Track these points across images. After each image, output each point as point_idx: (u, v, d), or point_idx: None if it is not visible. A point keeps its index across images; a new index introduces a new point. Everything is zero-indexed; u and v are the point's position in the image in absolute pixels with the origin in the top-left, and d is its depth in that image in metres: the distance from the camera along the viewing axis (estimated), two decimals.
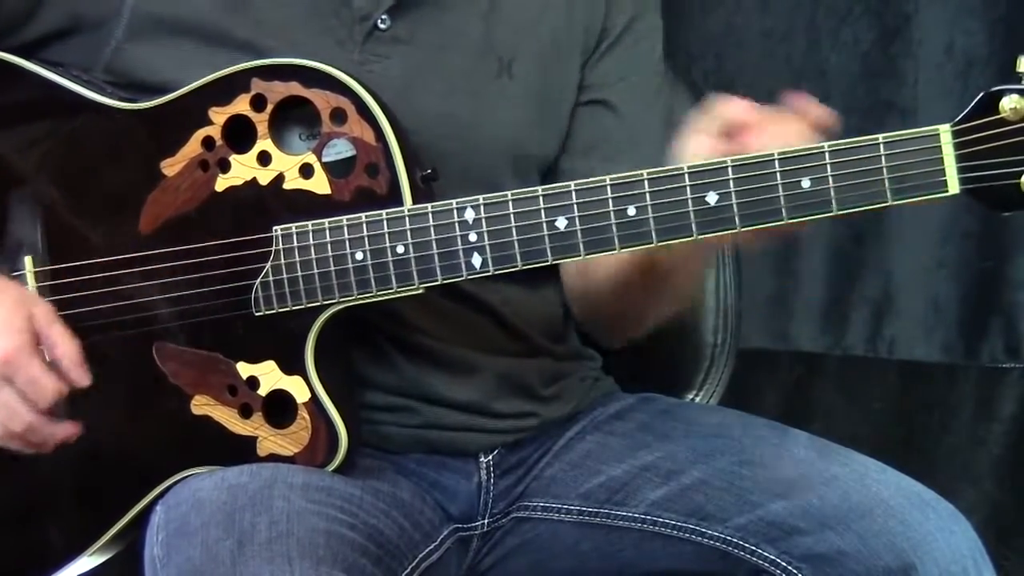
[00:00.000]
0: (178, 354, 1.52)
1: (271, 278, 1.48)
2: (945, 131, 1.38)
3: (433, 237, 1.45)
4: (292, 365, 1.49)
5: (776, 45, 2.63)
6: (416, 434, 1.62)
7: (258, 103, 1.48)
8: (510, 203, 1.44)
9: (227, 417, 1.51)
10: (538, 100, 1.64)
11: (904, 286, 2.63)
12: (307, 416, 1.49)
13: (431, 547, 1.59)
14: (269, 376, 1.50)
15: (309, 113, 1.48)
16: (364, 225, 1.46)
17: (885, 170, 1.39)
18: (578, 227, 1.43)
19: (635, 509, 1.61)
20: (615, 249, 1.43)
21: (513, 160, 1.63)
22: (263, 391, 1.50)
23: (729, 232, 1.42)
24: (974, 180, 1.38)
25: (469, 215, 1.45)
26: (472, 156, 1.59)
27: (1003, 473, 2.65)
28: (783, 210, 1.40)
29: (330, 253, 1.47)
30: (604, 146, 1.67)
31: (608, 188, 1.43)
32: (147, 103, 1.53)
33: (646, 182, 1.42)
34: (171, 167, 1.51)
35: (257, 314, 1.49)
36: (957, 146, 1.37)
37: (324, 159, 1.48)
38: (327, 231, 1.47)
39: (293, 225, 1.48)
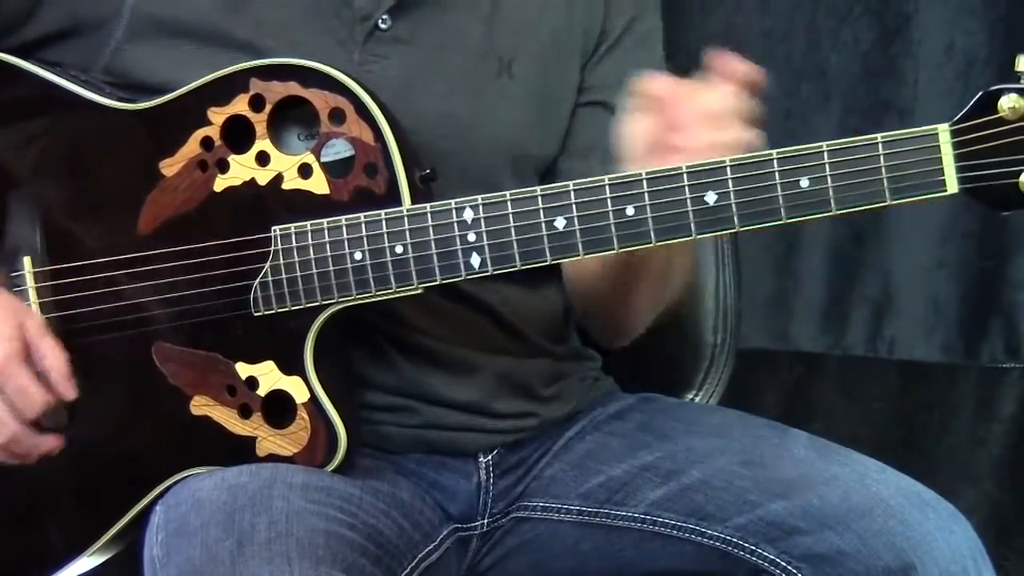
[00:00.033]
0: (177, 354, 1.52)
1: (270, 278, 1.48)
2: (944, 130, 1.38)
3: (432, 237, 1.45)
4: (291, 365, 1.49)
5: (776, 45, 2.63)
6: (416, 434, 1.62)
7: (257, 103, 1.48)
8: (509, 203, 1.44)
9: (226, 417, 1.51)
10: (538, 101, 1.65)
11: (904, 286, 2.63)
12: (306, 416, 1.49)
13: (431, 547, 1.59)
14: (268, 376, 1.50)
15: (308, 113, 1.48)
16: (363, 225, 1.46)
17: (884, 170, 1.39)
18: (577, 227, 1.43)
19: (635, 509, 1.61)
20: (614, 249, 1.43)
21: (512, 160, 1.63)
22: (262, 391, 1.50)
23: (728, 232, 1.42)
24: (973, 179, 1.38)
25: (468, 215, 1.45)
26: (472, 156, 1.59)
27: (1003, 473, 2.65)
28: (782, 210, 1.40)
29: (329, 253, 1.47)
30: (603, 147, 1.67)
31: (607, 188, 1.43)
32: (146, 103, 1.53)
33: (644, 182, 1.42)
34: (170, 167, 1.51)
35: (256, 314, 1.49)
36: (956, 145, 1.38)
37: (323, 159, 1.48)
38: (326, 231, 1.47)
39: (292, 225, 1.48)
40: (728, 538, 1.56)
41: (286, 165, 1.49)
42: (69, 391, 1.50)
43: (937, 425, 2.69)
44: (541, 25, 1.65)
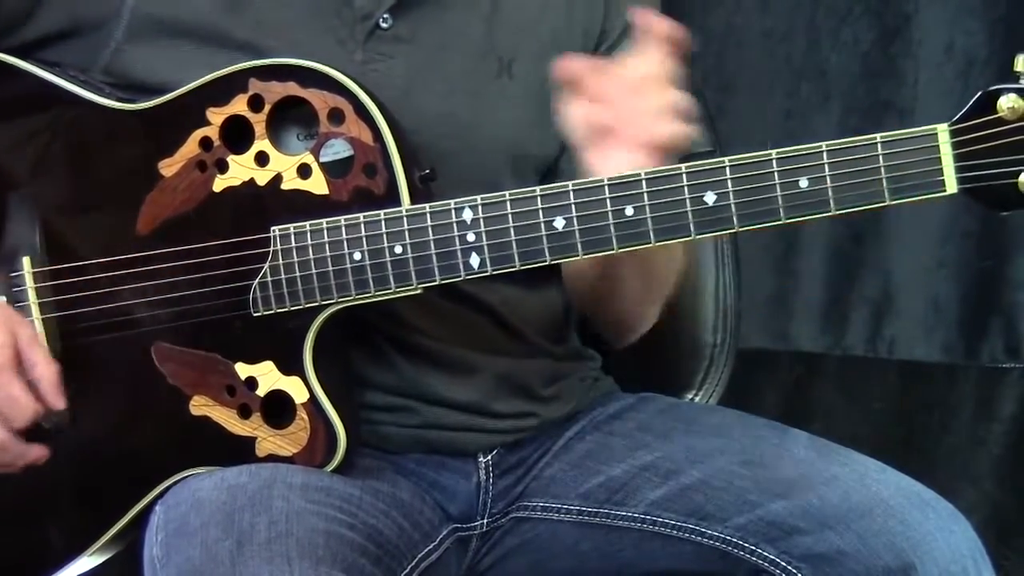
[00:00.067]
0: (176, 355, 1.52)
1: (269, 278, 1.48)
2: (943, 130, 1.38)
3: (431, 237, 1.45)
4: (290, 365, 1.49)
5: (776, 45, 2.63)
6: (415, 434, 1.62)
7: (256, 103, 1.48)
8: (508, 203, 1.44)
9: (226, 417, 1.51)
10: (538, 100, 1.64)
11: (904, 286, 2.63)
12: (306, 416, 1.49)
13: (430, 547, 1.59)
14: (268, 376, 1.50)
15: (307, 113, 1.48)
16: (362, 225, 1.46)
17: (883, 170, 1.39)
18: (576, 227, 1.43)
19: (635, 509, 1.61)
20: (613, 249, 1.43)
21: (513, 160, 1.63)
22: (262, 391, 1.50)
23: (727, 232, 1.42)
24: (972, 179, 1.38)
25: (467, 215, 1.45)
26: (472, 156, 1.59)
27: (1003, 473, 2.65)
28: (781, 210, 1.40)
29: (328, 253, 1.47)
30: None
31: (606, 188, 1.43)
32: (145, 103, 1.53)
33: (644, 182, 1.42)
34: (169, 167, 1.51)
35: (255, 314, 1.49)
36: (955, 145, 1.38)
37: (322, 159, 1.48)
38: (325, 231, 1.47)
39: (291, 225, 1.48)
40: (728, 538, 1.56)
41: (285, 165, 1.48)
42: (58, 401, 1.50)
43: (937, 425, 2.69)
44: (541, 25, 1.65)
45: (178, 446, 1.52)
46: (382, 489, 1.55)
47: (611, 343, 1.78)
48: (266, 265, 1.48)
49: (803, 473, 1.56)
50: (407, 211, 1.46)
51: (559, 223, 1.44)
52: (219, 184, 1.50)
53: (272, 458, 1.50)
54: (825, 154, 1.39)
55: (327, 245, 1.47)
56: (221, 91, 1.49)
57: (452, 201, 1.45)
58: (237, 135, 1.49)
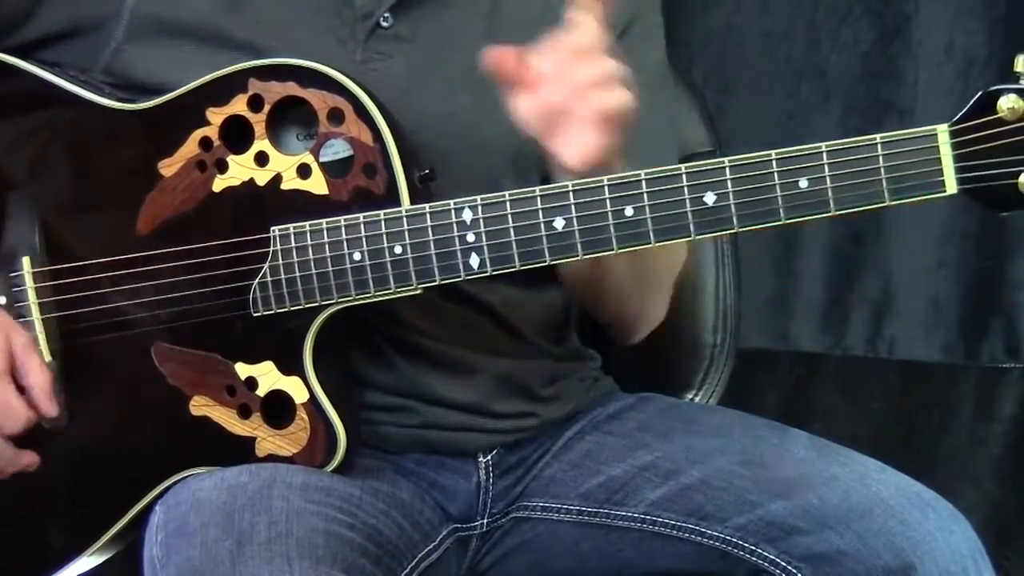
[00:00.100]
0: (176, 355, 1.52)
1: (269, 279, 1.48)
2: (943, 131, 1.38)
3: (431, 237, 1.45)
4: (290, 365, 1.49)
5: (776, 45, 2.63)
6: (415, 434, 1.62)
7: (255, 103, 1.48)
8: (508, 203, 1.44)
9: (226, 418, 1.51)
10: None
11: (904, 286, 2.63)
12: (305, 417, 1.49)
13: (430, 547, 1.59)
14: (267, 376, 1.50)
15: (306, 113, 1.48)
16: (362, 225, 1.46)
17: (883, 170, 1.39)
18: (576, 227, 1.43)
19: (635, 509, 1.61)
20: (613, 249, 1.43)
21: (514, 160, 1.62)
22: (261, 392, 1.50)
23: (727, 232, 1.42)
24: (972, 180, 1.38)
25: (467, 215, 1.45)
26: (473, 155, 1.59)
27: (1003, 473, 2.65)
28: (781, 210, 1.40)
29: (328, 254, 1.47)
30: None
31: (606, 188, 1.43)
32: (145, 103, 1.53)
33: (644, 182, 1.42)
34: (169, 167, 1.51)
35: (255, 315, 1.49)
36: (955, 146, 1.37)
37: (321, 159, 1.48)
38: (325, 231, 1.47)
39: (291, 226, 1.48)
40: (728, 538, 1.56)
41: (285, 165, 1.48)
42: (51, 409, 1.50)
43: (937, 425, 2.69)
44: (542, 23, 1.65)
45: (178, 446, 1.52)
46: (382, 489, 1.55)
47: (618, 339, 1.77)
48: (266, 265, 1.48)
49: (803, 473, 1.56)
50: (407, 211, 1.46)
51: (559, 223, 1.44)
52: (219, 184, 1.50)
53: (272, 458, 1.50)
54: (825, 154, 1.39)
55: (327, 245, 1.47)
56: (221, 91, 1.49)
57: (452, 201, 1.45)
58: (237, 135, 1.49)
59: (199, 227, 1.50)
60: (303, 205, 1.48)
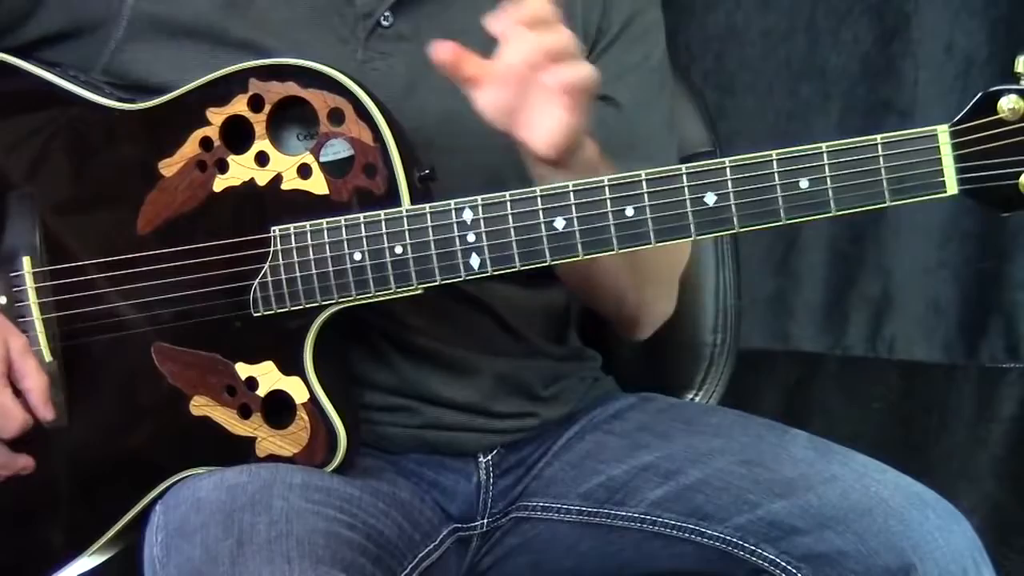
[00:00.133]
0: (177, 355, 1.52)
1: (269, 279, 1.48)
2: (943, 131, 1.38)
3: (431, 238, 1.45)
4: (291, 366, 1.49)
5: (776, 45, 2.63)
6: (415, 434, 1.62)
7: (256, 103, 1.48)
8: (508, 203, 1.44)
9: (226, 418, 1.51)
10: None
11: (904, 286, 2.63)
12: (306, 417, 1.49)
13: (430, 547, 1.59)
14: (268, 377, 1.50)
15: (307, 113, 1.48)
16: (362, 226, 1.46)
17: (883, 171, 1.39)
18: (576, 228, 1.43)
19: (635, 509, 1.61)
20: (613, 250, 1.43)
21: (514, 159, 1.63)
22: (262, 392, 1.50)
23: (728, 232, 1.42)
24: (973, 180, 1.38)
25: (467, 215, 1.45)
26: (474, 154, 1.59)
27: (1003, 473, 2.65)
28: (781, 211, 1.40)
29: (328, 254, 1.47)
30: (604, 145, 1.67)
31: (606, 189, 1.43)
32: (145, 103, 1.54)
33: (644, 183, 1.42)
34: (169, 167, 1.51)
35: (256, 315, 1.49)
36: (955, 146, 1.37)
37: (322, 159, 1.48)
38: (325, 231, 1.47)
39: (291, 226, 1.48)
40: (728, 538, 1.56)
41: (285, 165, 1.49)
42: (47, 413, 1.50)
43: (937, 425, 2.68)
44: None
45: (178, 446, 1.53)
46: (382, 489, 1.55)
47: (624, 336, 1.77)
48: (266, 265, 1.48)
49: (803, 473, 1.56)
50: (407, 211, 1.46)
51: (559, 223, 1.44)
52: (219, 184, 1.50)
53: (272, 458, 1.50)
54: (825, 155, 1.39)
55: (327, 245, 1.47)
56: (221, 91, 1.49)
57: (452, 201, 1.45)
58: (237, 135, 1.49)
59: (199, 227, 1.50)
60: (303, 205, 1.48)
